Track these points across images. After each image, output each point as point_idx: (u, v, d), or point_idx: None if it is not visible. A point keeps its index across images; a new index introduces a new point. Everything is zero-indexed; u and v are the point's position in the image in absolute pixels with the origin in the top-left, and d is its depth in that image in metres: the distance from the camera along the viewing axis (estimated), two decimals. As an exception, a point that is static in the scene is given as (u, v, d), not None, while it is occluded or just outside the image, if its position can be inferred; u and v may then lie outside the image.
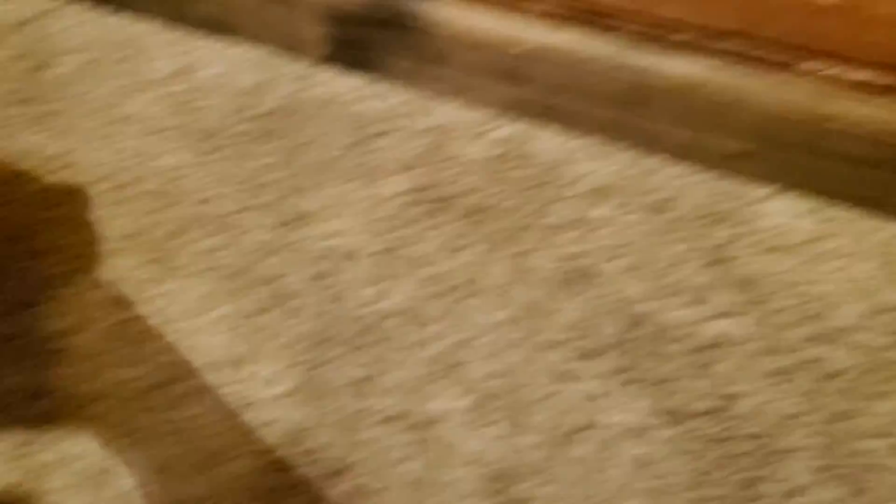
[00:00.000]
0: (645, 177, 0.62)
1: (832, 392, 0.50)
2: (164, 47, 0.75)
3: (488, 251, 0.58)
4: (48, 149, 0.67)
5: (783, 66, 0.57)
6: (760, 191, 0.59)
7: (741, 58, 0.57)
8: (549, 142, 0.65)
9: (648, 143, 0.64)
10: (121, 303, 0.57)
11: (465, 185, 0.63)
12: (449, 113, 0.68)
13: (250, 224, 0.61)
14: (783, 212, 0.58)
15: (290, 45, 0.72)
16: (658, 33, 0.59)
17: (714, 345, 0.53)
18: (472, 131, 0.66)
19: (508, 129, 0.66)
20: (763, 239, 0.57)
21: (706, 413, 0.50)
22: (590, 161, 0.63)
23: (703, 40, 0.58)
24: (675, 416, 0.49)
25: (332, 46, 0.71)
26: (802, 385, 0.50)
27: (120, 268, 0.59)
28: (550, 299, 0.55)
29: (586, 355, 0.53)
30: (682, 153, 0.63)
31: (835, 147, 0.57)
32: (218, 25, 0.74)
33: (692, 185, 0.61)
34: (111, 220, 0.62)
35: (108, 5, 0.78)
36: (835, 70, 0.55)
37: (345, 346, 0.54)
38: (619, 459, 0.48)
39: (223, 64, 0.73)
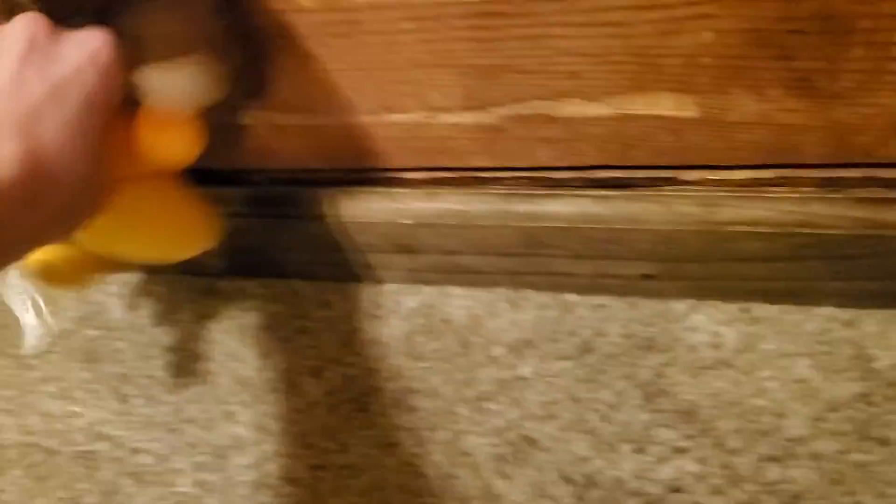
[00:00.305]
0: (562, 318, 0.60)
1: (804, 513, 0.48)
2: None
3: (420, 443, 0.56)
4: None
5: (666, 181, 0.56)
6: (679, 308, 0.58)
7: (622, 186, 0.56)
8: (458, 304, 0.63)
9: (555, 284, 0.62)
10: None
11: (385, 372, 0.61)
12: (354, 296, 0.67)
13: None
14: (706, 325, 0.56)
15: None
16: (534, 179, 0.58)
17: (673, 489, 0.50)
18: (381, 310, 0.65)
19: (416, 299, 0.64)
20: (694, 359, 0.55)
21: (681, 571, 0.47)
22: (503, 315, 0.61)
23: (579, 178, 0.57)
24: (650, 585, 0.46)
25: (224, 258, 0.70)
26: (772, 512, 0.48)
27: None
28: (494, 482, 0.52)
29: (546, 536, 0.50)
30: (591, 287, 0.61)
31: (738, 249, 0.55)
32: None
33: (610, 318, 0.59)
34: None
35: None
36: (716, 175, 0.54)
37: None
38: None
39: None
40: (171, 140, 0.49)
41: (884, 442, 0.49)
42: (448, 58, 0.52)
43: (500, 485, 0.52)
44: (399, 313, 0.64)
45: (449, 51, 0.52)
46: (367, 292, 0.66)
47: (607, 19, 0.47)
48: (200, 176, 0.65)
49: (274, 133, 0.61)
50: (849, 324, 0.54)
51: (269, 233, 0.67)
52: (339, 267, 0.67)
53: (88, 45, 0.42)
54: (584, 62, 0.50)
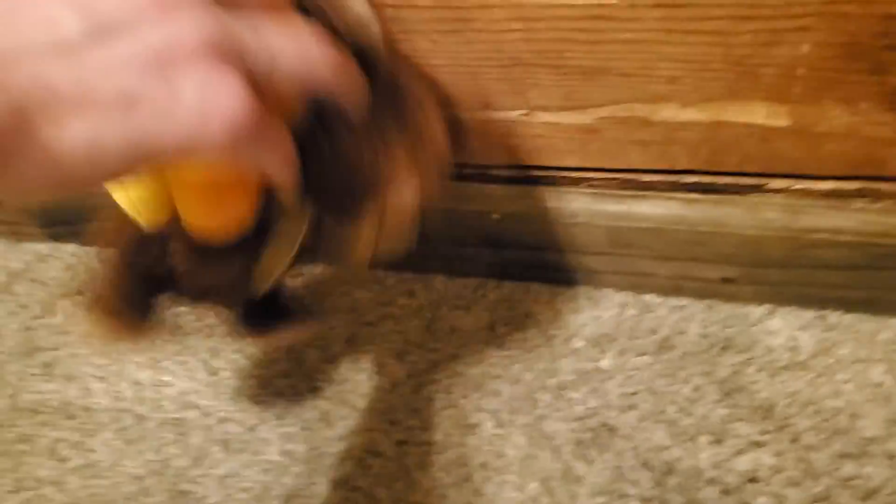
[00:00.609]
0: (641, 317, 0.63)
1: (877, 509, 0.49)
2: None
3: (502, 424, 0.58)
4: None
5: (753, 189, 0.58)
6: (756, 312, 0.60)
7: (710, 190, 0.59)
8: (540, 299, 0.66)
9: (637, 284, 0.65)
10: None
11: (468, 358, 0.63)
12: (438, 287, 0.70)
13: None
14: (783, 329, 0.58)
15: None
16: (624, 181, 0.61)
17: (749, 479, 0.52)
18: (463, 301, 0.68)
19: (498, 292, 0.67)
20: (771, 360, 0.57)
21: (757, 556, 0.49)
22: (584, 311, 0.64)
23: (668, 182, 0.59)
24: (727, 567, 0.48)
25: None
26: (846, 507, 0.50)
27: None
28: (575, 464, 0.55)
29: (624, 517, 0.52)
30: (672, 288, 0.64)
31: (818, 257, 0.58)
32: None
33: (689, 319, 0.61)
34: None
35: None
36: (802, 185, 0.57)
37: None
38: None
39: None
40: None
41: (957, 448, 0.51)
42: (551, 58, 0.55)
43: (580, 467, 0.54)
44: (480, 305, 0.67)
45: (553, 51, 0.55)
46: (452, 284, 0.69)
47: (708, 28, 0.50)
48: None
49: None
50: (923, 335, 0.56)
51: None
52: (424, 259, 0.70)
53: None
54: (683, 68, 0.53)
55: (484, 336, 0.64)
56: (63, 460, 0.65)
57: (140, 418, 0.68)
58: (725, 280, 0.61)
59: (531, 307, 0.66)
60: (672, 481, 0.52)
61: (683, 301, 0.63)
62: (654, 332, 0.61)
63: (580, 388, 0.59)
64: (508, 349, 0.63)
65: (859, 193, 0.56)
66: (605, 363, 0.60)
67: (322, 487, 0.59)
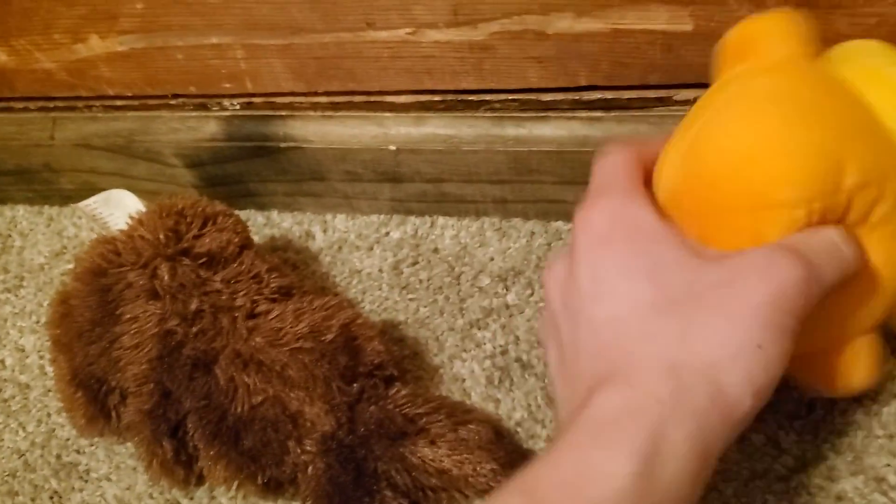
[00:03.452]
0: (550, 247, 0.59)
1: None
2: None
3: (408, 371, 0.55)
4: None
5: (659, 102, 0.54)
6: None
7: (613, 107, 0.55)
8: (446, 234, 0.62)
9: (545, 212, 0.61)
10: None
11: (374, 301, 0.59)
12: (340, 227, 0.65)
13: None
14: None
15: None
16: (524, 102, 0.56)
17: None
18: (366, 241, 0.63)
19: (402, 230, 0.63)
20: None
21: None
22: (492, 244, 0.60)
23: (570, 100, 0.55)
24: None
25: (207, 188, 0.68)
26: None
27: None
28: (485, 405, 0.52)
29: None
30: (581, 214, 0.60)
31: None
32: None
33: (600, 245, 0.58)
34: None
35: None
36: (709, 94, 0.53)
37: None
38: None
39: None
40: None
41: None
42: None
43: (490, 407, 0.51)
44: (384, 244, 0.63)
45: (436, -39, 0.50)
46: (353, 224, 0.65)
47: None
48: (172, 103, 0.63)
49: (249, 54, 0.59)
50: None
51: (247, 162, 0.65)
52: (321, 197, 0.66)
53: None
54: (575, -29, 0.48)
55: (388, 278, 0.60)
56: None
57: (23, 387, 0.62)
58: (636, 202, 0.57)
59: (437, 243, 0.61)
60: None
61: (594, 227, 0.60)
62: (563, 261, 0.58)
63: (489, 325, 0.55)
64: (414, 291, 0.59)
65: (770, 101, 0.52)
66: (512, 297, 0.56)
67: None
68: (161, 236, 0.52)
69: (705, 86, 0.53)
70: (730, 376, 0.32)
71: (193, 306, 0.51)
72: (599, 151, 0.44)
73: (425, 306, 0.58)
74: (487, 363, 0.53)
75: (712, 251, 0.37)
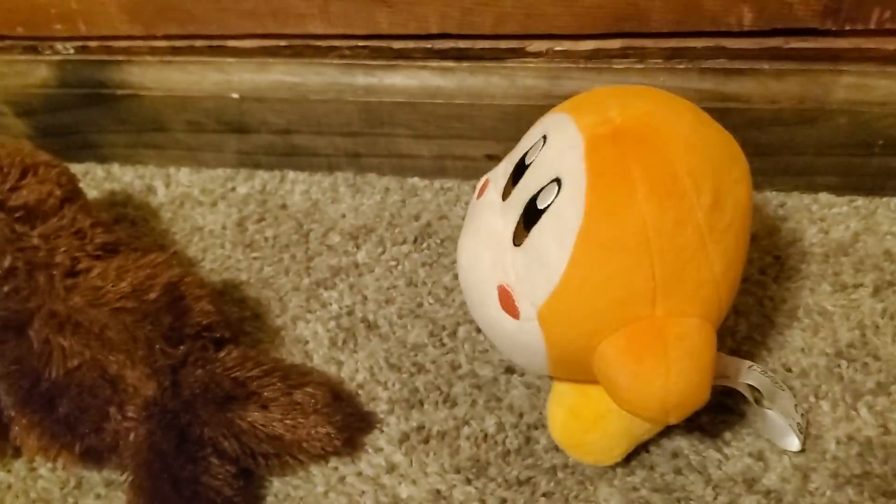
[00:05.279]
0: (404, 203, 0.57)
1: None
2: None
3: (249, 333, 0.51)
4: None
5: (512, 53, 0.52)
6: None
7: (465, 57, 0.53)
8: (295, 189, 0.59)
9: (400, 167, 0.58)
10: None
11: (216, 259, 0.56)
12: (184, 181, 0.61)
13: None
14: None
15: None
16: (375, 49, 0.53)
17: (505, 370, 0.48)
18: (210, 196, 0.59)
19: (249, 184, 0.60)
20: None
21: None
22: (344, 200, 0.57)
23: (421, 48, 0.53)
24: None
25: (42, 138, 0.62)
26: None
27: None
28: (326, 368, 0.49)
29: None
30: (436, 170, 0.58)
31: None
32: None
33: (453, 202, 0.56)
34: None
35: None
36: (563, 46, 0.51)
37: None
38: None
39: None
40: None
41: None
42: None
43: (332, 370, 0.49)
44: (229, 199, 0.59)
45: None
46: (198, 178, 0.61)
47: None
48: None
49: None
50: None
51: (82, 110, 0.60)
52: (163, 150, 0.61)
53: None
54: None
55: (231, 235, 0.57)
56: None
57: None
58: (490, 157, 0.55)
59: (286, 199, 0.58)
60: (421, 379, 0.48)
61: (449, 182, 0.58)
62: (416, 218, 0.56)
63: (336, 285, 0.53)
64: (259, 249, 0.56)
65: (622, 53, 0.51)
66: (362, 256, 0.54)
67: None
68: None
69: (558, 37, 0.51)
70: None
71: (6, 263, 0.46)
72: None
73: (270, 265, 0.54)
74: (332, 324, 0.51)
75: None
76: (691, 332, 0.35)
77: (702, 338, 0.35)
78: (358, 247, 0.55)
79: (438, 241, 0.54)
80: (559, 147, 0.37)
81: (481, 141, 0.55)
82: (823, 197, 0.53)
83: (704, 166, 0.35)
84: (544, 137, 0.38)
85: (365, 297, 0.52)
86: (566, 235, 0.35)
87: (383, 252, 0.54)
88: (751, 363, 0.42)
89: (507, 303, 0.37)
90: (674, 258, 0.35)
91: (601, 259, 0.35)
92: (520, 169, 0.39)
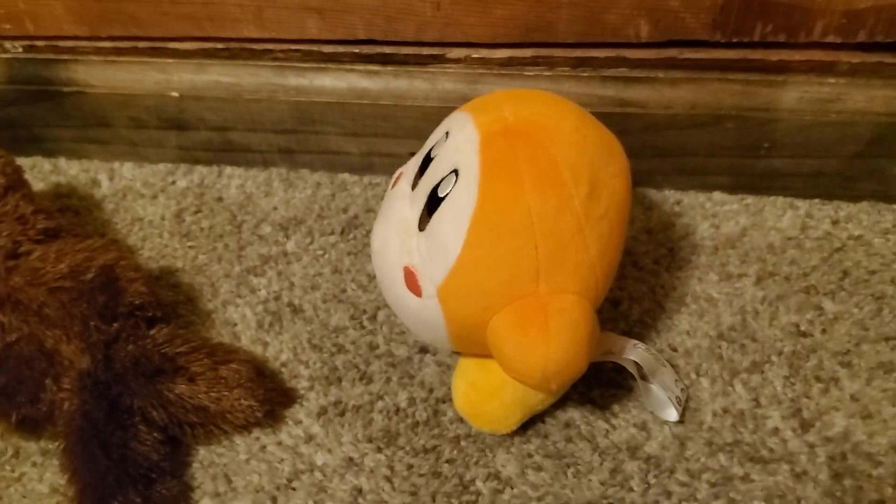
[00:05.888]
0: (334, 197, 0.60)
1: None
2: None
3: (181, 316, 0.55)
4: None
5: (433, 59, 0.56)
6: (444, 185, 0.59)
7: (390, 62, 0.57)
8: (231, 184, 0.62)
9: (330, 163, 0.62)
10: None
11: (154, 248, 0.59)
12: (127, 175, 0.64)
13: None
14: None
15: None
16: (306, 52, 0.57)
17: (420, 350, 0.52)
18: (151, 189, 0.63)
19: (188, 178, 0.63)
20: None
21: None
22: (277, 194, 0.61)
23: (349, 53, 0.57)
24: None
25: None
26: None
27: None
28: (253, 348, 0.52)
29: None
30: (364, 166, 0.62)
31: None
32: None
33: (378, 196, 0.60)
34: None
35: None
36: (480, 54, 0.56)
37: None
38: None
39: None
40: None
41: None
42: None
43: (258, 350, 0.52)
44: (168, 192, 0.62)
45: None
46: (140, 172, 0.64)
47: None
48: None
49: (27, -8, 0.57)
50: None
51: (30, 106, 0.63)
52: (107, 145, 0.65)
53: None
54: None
55: (169, 226, 0.60)
56: None
57: None
58: (413, 154, 0.59)
59: (222, 193, 0.62)
60: (341, 359, 0.51)
61: (377, 178, 0.62)
62: (344, 210, 0.59)
63: (265, 272, 0.56)
64: (194, 239, 0.59)
65: (533, 61, 0.55)
66: (291, 245, 0.58)
67: None
68: None
69: (475, 45, 0.55)
70: None
71: None
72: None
73: (204, 254, 0.58)
74: (260, 308, 0.54)
75: None
76: (570, 307, 0.39)
77: (580, 312, 0.40)
78: (288, 237, 0.58)
79: (364, 233, 0.58)
80: (458, 142, 0.41)
81: (405, 139, 0.59)
82: (717, 195, 0.58)
83: (583, 161, 0.40)
84: (447, 133, 0.42)
85: (292, 284, 0.56)
86: (461, 221, 0.39)
87: (311, 242, 0.58)
88: (636, 342, 0.47)
89: (412, 282, 0.41)
90: (555, 242, 0.39)
91: (492, 242, 0.39)
92: (426, 162, 0.43)
